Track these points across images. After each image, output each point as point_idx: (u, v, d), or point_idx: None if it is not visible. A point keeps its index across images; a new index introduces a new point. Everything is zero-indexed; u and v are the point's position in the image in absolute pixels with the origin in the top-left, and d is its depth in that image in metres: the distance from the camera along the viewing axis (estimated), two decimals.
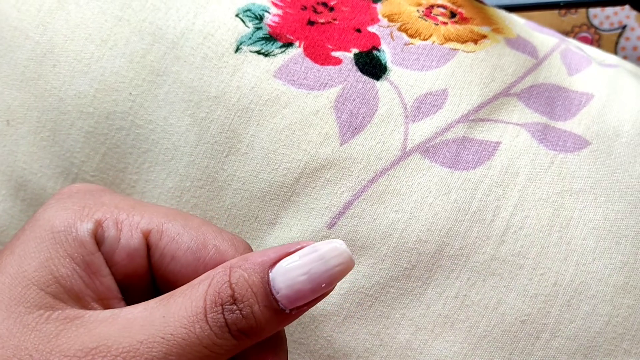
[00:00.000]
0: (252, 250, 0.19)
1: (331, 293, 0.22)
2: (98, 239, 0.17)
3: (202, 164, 0.22)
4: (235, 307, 0.16)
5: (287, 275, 0.16)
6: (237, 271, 0.16)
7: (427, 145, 0.22)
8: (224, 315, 0.16)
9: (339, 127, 0.22)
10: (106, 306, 0.17)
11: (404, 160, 0.22)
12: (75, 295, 0.17)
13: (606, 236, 0.22)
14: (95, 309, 0.17)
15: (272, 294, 0.16)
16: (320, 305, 0.22)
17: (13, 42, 0.23)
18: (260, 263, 0.16)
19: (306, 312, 0.22)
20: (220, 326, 0.16)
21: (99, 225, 0.17)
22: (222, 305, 0.16)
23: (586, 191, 0.23)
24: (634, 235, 0.22)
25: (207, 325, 0.16)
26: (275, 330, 0.17)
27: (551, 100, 0.24)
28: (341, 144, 0.22)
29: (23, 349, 0.15)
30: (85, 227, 0.17)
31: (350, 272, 0.21)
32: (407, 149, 0.22)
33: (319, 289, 0.16)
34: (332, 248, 0.16)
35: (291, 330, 0.22)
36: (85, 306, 0.17)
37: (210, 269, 0.17)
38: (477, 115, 0.23)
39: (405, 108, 0.23)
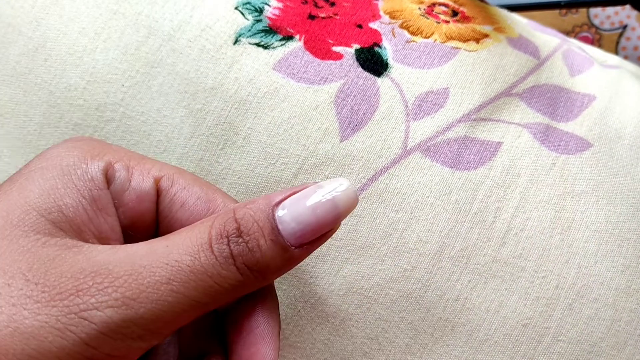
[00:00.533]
0: None
1: (330, 293, 0.21)
2: (108, 178, 0.17)
3: (196, 156, 0.22)
4: (241, 239, 0.15)
5: (293, 210, 0.16)
6: (242, 209, 0.16)
7: (428, 144, 0.22)
8: (229, 246, 0.15)
9: (339, 123, 0.22)
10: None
11: (404, 159, 0.22)
12: (77, 227, 0.16)
13: (608, 239, 0.22)
14: (94, 244, 0.16)
15: (278, 229, 0.16)
16: (318, 306, 0.21)
17: (6, 39, 0.22)
18: (265, 202, 0.16)
19: (303, 314, 0.21)
20: (225, 257, 0.15)
21: (109, 165, 0.17)
22: (227, 237, 0.15)
23: (588, 193, 0.22)
24: (636, 238, 0.22)
25: (212, 255, 0.15)
26: (279, 270, 0.16)
27: (553, 101, 0.24)
28: (341, 140, 0.22)
29: (15, 268, 0.14)
30: (96, 164, 0.17)
31: (349, 272, 0.21)
32: (407, 148, 0.22)
33: (324, 224, 0.16)
34: (337, 184, 0.16)
35: (287, 334, 0.21)
36: (85, 240, 0.16)
37: None
38: (479, 114, 0.23)
39: (407, 106, 0.22)
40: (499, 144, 0.23)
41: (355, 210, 0.21)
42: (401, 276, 0.21)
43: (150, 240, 0.16)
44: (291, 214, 0.16)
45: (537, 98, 0.24)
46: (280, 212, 0.16)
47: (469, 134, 0.22)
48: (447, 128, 0.22)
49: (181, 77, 0.22)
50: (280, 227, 0.16)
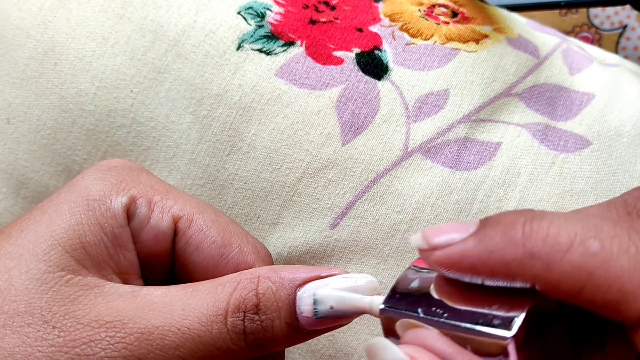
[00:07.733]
0: (271, 258, 0.19)
1: None
2: (129, 214, 0.17)
3: (203, 162, 0.22)
4: (257, 317, 0.16)
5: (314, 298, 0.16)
6: (266, 282, 0.16)
7: (428, 145, 0.22)
8: (244, 322, 0.16)
9: (341, 127, 0.22)
10: (125, 280, 0.17)
11: (405, 161, 0.22)
12: (98, 264, 0.16)
13: None
14: (114, 281, 0.17)
15: (296, 314, 0.16)
16: None
17: (14, 41, 0.23)
18: (290, 280, 0.16)
19: None
20: (237, 332, 0.16)
21: (132, 201, 0.17)
22: (244, 312, 0.16)
23: (587, 192, 0.23)
24: None
25: (225, 328, 0.16)
26: (287, 346, 0.17)
27: (552, 100, 0.24)
28: (343, 144, 0.22)
29: (36, 307, 0.15)
30: (119, 200, 0.17)
31: (353, 272, 0.22)
32: (408, 149, 0.22)
33: (343, 318, 0.16)
34: (367, 282, 0.16)
35: None
36: (105, 277, 0.17)
37: (232, 267, 0.17)
38: (479, 115, 0.23)
39: (407, 108, 0.23)
40: (499, 144, 0.23)
41: (357, 212, 0.22)
42: None
43: (169, 290, 0.16)
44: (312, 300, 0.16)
45: (536, 98, 0.24)
46: (301, 296, 0.16)
47: (469, 135, 0.23)
48: (447, 129, 0.23)
49: (187, 83, 0.23)
50: (298, 311, 0.16)
